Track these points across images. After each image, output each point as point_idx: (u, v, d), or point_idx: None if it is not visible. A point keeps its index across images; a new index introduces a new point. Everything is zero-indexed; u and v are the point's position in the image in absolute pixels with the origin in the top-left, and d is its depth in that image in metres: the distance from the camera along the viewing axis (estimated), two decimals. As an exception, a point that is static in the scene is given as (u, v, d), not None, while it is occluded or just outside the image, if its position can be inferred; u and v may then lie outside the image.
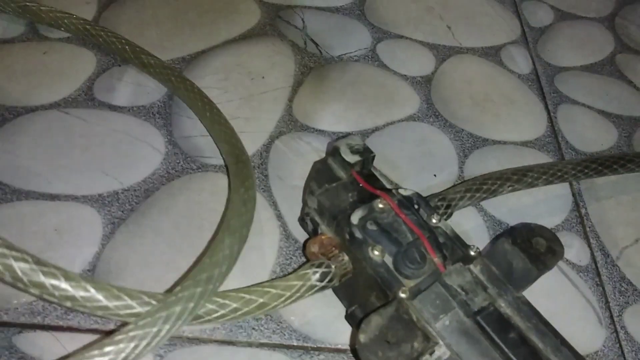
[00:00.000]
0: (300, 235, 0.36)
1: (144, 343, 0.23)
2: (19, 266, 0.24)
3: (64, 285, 0.24)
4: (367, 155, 0.33)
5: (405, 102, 0.46)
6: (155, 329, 0.23)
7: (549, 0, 0.58)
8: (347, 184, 0.32)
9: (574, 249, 0.38)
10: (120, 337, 0.23)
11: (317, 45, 0.48)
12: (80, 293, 0.24)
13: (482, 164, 0.42)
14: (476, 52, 0.51)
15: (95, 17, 0.47)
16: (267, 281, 0.30)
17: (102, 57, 0.44)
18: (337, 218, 0.31)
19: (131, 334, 0.23)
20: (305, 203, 0.33)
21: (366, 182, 0.32)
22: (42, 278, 0.24)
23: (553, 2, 0.57)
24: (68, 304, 0.24)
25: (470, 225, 0.39)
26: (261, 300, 0.28)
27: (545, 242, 0.30)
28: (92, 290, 0.25)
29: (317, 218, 0.32)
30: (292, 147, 0.41)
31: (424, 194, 0.33)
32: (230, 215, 0.30)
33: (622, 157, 0.41)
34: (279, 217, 0.37)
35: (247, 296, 0.27)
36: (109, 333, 0.31)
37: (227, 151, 0.36)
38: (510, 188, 0.36)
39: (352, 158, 0.32)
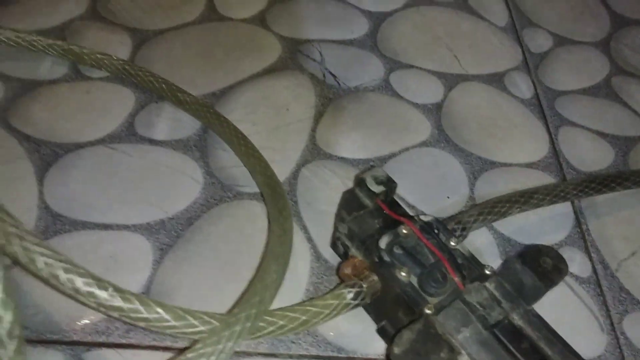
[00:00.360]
0: (330, 256, 0.40)
1: (212, 359, 0.27)
2: (101, 294, 0.28)
3: (138, 308, 0.28)
4: (390, 185, 0.37)
5: (418, 129, 0.50)
6: (221, 346, 0.27)
7: (548, 26, 0.62)
8: (373, 211, 0.36)
9: (576, 263, 0.42)
10: (192, 354, 0.27)
11: (334, 77, 0.52)
12: (152, 315, 0.28)
13: (491, 185, 0.46)
14: (481, 79, 0.55)
15: (131, 57, 0.51)
16: (307, 300, 0.34)
17: (140, 94, 0.48)
18: (366, 243, 0.35)
19: (201, 351, 0.27)
20: (336, 229, 0.37)
21: (390, 210, 0.36)
22: (120, 303, 0.28)
23: (551, 28, 0.61)
24: (142, 324, 0.28)
25: (481, 242, 0.43)
26: (304, 317, 0.32)
27: (552, 261, 0.34)
28: (162, 312, 0.29)
29: (347, 242, 0.36)
30: (318, 174, 0.45)
31: (439, 215, 0.37)
32: (273, 243, 0.34)
33: (619, 175, 0.45)
34: (309, 239, 0.41)
35: (292, 314, 0.31)
36: (165, 349, 0.35)
37: (263, 182, 0.40)
38: (518, 209, 0.40)
39: (376, 188, 0.36)
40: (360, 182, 0.37)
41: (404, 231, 0.35)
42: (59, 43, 0.48)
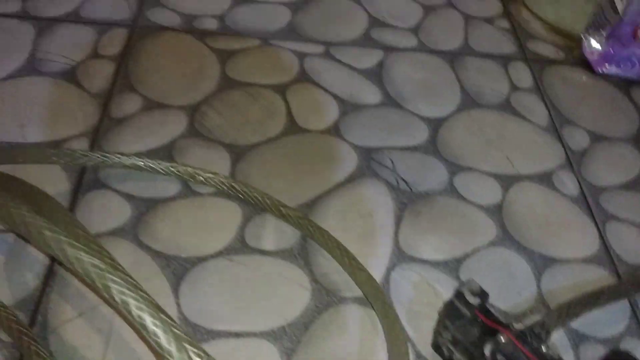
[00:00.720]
0: (428, 353, 0.47)
1: None
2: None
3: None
4: (484, 295, 0.44)
5: (485, 230, 0.57)
6: None
7: (584, 124, 0.69)
8: (472, 320, 0.43)
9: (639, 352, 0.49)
10: None
11: (406, 182, 0.60)
12: None
13: (555, 281, 0.53)
14: (532, 178, 0.63)
15: (231, 170, 0.59)
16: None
17: (244, 207, 0.56)
18: (469, 349, 0.42)
19: None
20: (439, 334, 0.45)
21: (487, 318, 0.43)
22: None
23: (587, 126, 0.69)
24: None
25: (553, 335, 0.50)
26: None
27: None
28: None
29: (452, 347, 0.43)
30: (405, 276, 0.52)
31: (513, 312, 0.44)
32: (392, 346, 0.41)
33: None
34: (409, 339, 0.48)
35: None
36: None
37: (370, 293, 0.47)
38: (588, 310, 0.47)
39: (473, 300, 0.44)
40: (458, 294, 0.44)
41: (502, 339, 0.42)
42: (175, 165, 0.55)
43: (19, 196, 0.45)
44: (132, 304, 0.33)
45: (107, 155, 0.54)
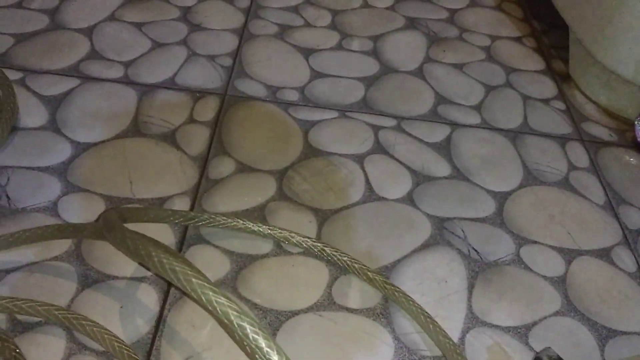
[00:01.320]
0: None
1: None
2: None
3: None
4: (560, 362, 0.49)
5: (551, 300, 0.62)
6: None
7: (639, 204, 0.74)
8: (550, 384, 0.48)
9: None
10: None
11: (477, 252, 0.65)
12: None
13: (618, 352, 0.57)
14: (593, 253, 0.67)
15: (317, 233, 0.64)
16: None
17: (331, 267, 0.61)
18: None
19: None
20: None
21: (564, 384, 0.48)
22: None
23: (641, 206, 0.74)
24: None
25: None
26: None
27: None
28: None
29: (531, 408, 0.48)
30: (479, 339, 0.57)
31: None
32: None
33: None
34: (485, 399, 0.52)
35: None
36: None
37: (444, 348, 0.52)
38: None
39: (551, 365, 0.48)
40: (537, 360, 0.49)
41: (580, 403, 0.46)
42: (273, 228, 0.61)
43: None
44: (263, 343, 0.39)
45: (214, 216, 0.60)
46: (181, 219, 0.59)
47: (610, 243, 0.69)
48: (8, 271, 0.56)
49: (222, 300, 0.41)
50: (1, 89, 0.72)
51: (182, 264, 0.42)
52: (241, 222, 0.60)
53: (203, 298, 0.41)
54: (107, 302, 0.55)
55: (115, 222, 0.48)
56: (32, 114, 0.73)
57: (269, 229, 0.61)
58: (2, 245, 0.56)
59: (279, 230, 0.61)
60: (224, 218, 0.60)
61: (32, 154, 0.68)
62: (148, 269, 0.58)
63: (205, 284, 0.41)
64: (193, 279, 0.41)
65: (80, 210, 0.63)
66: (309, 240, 0.61)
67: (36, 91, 0.76)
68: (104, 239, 0.56)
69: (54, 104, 0.75)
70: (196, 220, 0.59)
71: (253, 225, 0.60)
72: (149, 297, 0.56)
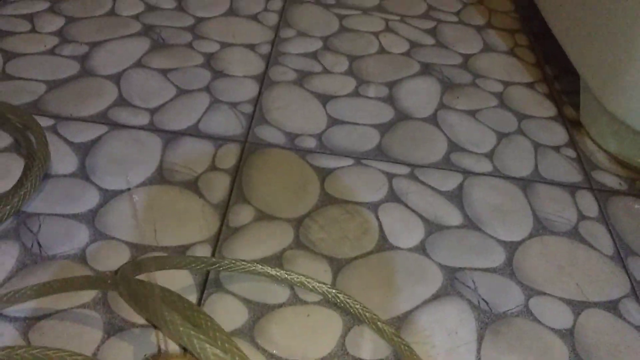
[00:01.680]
0: None
1: None
2: None
3: None
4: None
5: (559, 353, 0.63)
6: None
7: (647, 255, 0.76)
8: None
9: None
10: None
11: (487, 303, 0.67)
12: None
13: (624, 407, 0.59)
14: (601, 305, 0.69)
15: (332, 280, 0.67)
16: None
17: (344, 316, 0.64)
18: None
19: None
20: None
21: None
22: None
23: (650, 257, 0.76)
24: None
25: None
26: None
27: None
28: None
29: None
30: (488, 392, 0.59)
31: None
32: None
33: None
34: None
35: None
36: None
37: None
38: None
39: None
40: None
41: None
42: (288, 272, 0.64)
43: (168, 303, 0.55)
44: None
45: (234, 261, 0.63)
46: (203, 265, 0.62)
47: (618, 295, 0.71)
48: (39, 318, 0.60)
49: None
50: (34, 137, 0.76)
51: (190, 328, 0.44)
52: (260, 266, 0.64)
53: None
54: (131, 350, 0.58)
55: (129, 281, 0.52)
56: (63, 161, 0.77)
57: (286, 273, 0.64)
58: (32, 294, 0.59)
59: (296, 275, 0.64)
60: (244, 263, 0.63)
61: (62, 201, 0.72)
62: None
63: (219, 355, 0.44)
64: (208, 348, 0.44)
65: (107, 259, 0.66)
66: (324, 286, 0.63)
67: (67, 138, 0.80)
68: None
69: (84, 150, 0.79)
70: (217, 265, 0.62)
71: (271, 270, 0.63)
72: (172, 345, 0.59)
